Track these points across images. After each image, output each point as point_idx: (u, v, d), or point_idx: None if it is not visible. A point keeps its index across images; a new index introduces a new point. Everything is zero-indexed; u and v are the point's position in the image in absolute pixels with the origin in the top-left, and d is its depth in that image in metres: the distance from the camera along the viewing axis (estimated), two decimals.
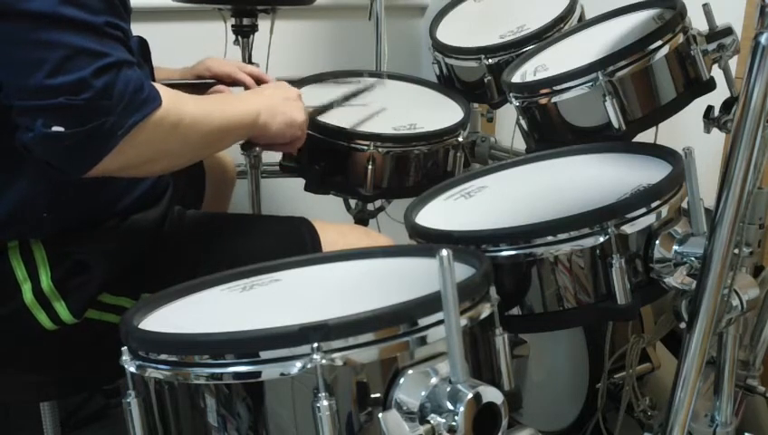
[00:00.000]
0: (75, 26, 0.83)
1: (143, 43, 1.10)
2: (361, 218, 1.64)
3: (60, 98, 0.82)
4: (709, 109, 1.21)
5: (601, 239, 0.89)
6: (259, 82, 1.40)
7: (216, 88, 1.37)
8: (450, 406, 0.64)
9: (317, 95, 1.46)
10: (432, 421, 0.65)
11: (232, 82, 1.38)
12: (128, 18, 0.94)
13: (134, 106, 0.87)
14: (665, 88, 1.18)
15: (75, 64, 0.83)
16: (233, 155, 1.61)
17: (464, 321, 0.71)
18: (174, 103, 0.93)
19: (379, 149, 1.38)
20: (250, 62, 1.73)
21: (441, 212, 1.09)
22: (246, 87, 1.39)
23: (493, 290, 0.78)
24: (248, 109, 1.09)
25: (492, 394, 0.65)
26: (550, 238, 0.90)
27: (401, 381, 0.67)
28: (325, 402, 0.64)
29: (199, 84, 1.37)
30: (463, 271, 0.80)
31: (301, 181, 1.46)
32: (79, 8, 0.83)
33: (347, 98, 1.41)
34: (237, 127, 1.08)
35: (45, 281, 0.97)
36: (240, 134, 1.11)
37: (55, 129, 0.83)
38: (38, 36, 0.82)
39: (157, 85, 0.92)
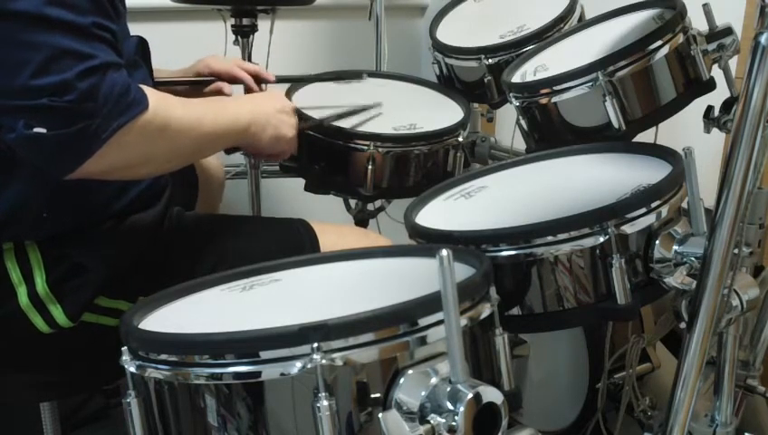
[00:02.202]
0: (61, 27, 0.83)
1: (143, 43, 1.10)
2: (361, 219, 1.64)
3: (43, 99, 0.82)
4: (709, 109, 1.21)
5: (601, 239, 0.89)
6: (258, 79, 1.40)
7: (216, 85, 1.37)
8: (450, 406, 0.64)
9: (316, 98, 1.46)
10: (432, 421, 0.65)
11: (231, 79, 1.37)
12: (118, 19, 0.92)
13: (119, 109, 0.86)
14: (665, 88, 1.18)
15: (60, 66, 0.82)
16: (230, 155, 1.61)
17: (464, 321, 0.71)
18: (161, 107, 0.93)
19: (379, 149, 1.38)
20: (250, 61, 1.73)
21: (441, 212, 1.09)
22: (246, 85, 1.39)
23: (493, 290, 0.78)
24: (239, 117, 1.08)
25: (492, 394, 0.65)
26: (550, 238, 0.90)
27: (401, 381, 0.67)
28: (325, 402, 0.64)
29: (198, 82, 1.37)
30: (463, 271, 0.80)
31: (301, 181, 1.46)
32: (65, 9, 0.83)
33: (341, 116, 1.41)
34: (226, 134, 1.07)
35: (41, 284, 0.97)
36: (228, 141, 1.11)
37: (37, 130, 0.83)
38: (23, 37, 0.82)
39: (145, 88, 0.92)
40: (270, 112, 1.13)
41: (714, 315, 0.82)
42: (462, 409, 0.63)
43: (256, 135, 1.11)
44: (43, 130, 0.83)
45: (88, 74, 0.83)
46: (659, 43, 1.15)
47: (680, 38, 1.17)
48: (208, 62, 1.38)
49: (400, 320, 0.68)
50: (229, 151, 1.26)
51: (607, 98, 1.15)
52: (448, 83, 1.68)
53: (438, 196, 1.15)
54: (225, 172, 1.67)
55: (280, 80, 1.47)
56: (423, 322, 0.68)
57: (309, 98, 1.47)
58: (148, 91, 0.92)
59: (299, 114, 1.27)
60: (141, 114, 0.89)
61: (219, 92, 1.37)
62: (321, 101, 1.45)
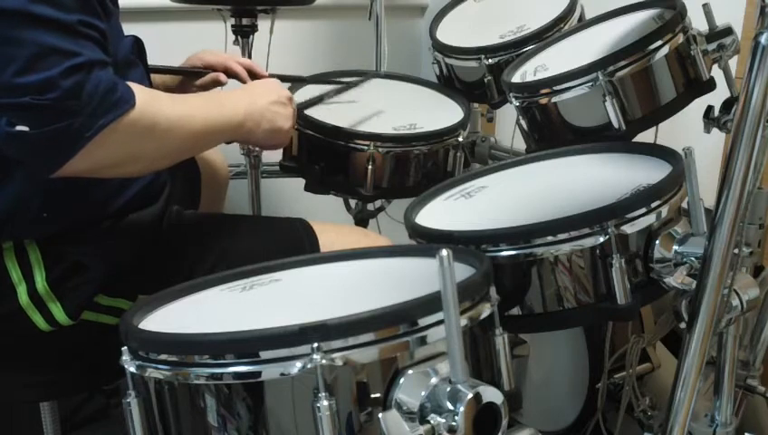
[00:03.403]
0: (46, 24, 0.82)
1: (138, 42, 1.10)
2: (361, 218, 1.64)
3: (26, 97, 0.81)
4: (709, 109, 1.21)
5: (601, 239, 0.89)
6: (252, 74, 1.40)
7: (212, 75, 1.36)
8: (450, 406, 0.64)
9: (313, 94, 1.46)
10: (432, 421, 0.65)
11: (225, 71, 1.37)
12: (107, 18, 0.92)
13: (104, 107, 0.86)
14: (665, 88, 1.18)
15: (44, 63, 0.82)
16: (231, 155, 1.61)
17: (464, 321, 0.71)
18: (149, 105, 0.92)
19: (379, 150, 1.38)
20: None
21: (441, 212, 1.09)
22: (240, 78, 1.39)
23: (493, 290, 0.78)
24: (233, 113, 1.07)
25: (492, 394, 0.65)
26: (550, 238, 0.90)
27: (401, 381, 0.67)
28: (325, 402, 0.64)
29: (193, 73, 1.37)
30: (463, 271, 0.80)
31: (301, 181, 1.46)
32: (51, 6, 0.82)
33: (338, 91, 1.41)
34: (219, 131, 1.06)
35: (40, 282, 0.97)
36: (222, 138, 1.10)
37: (19, 128, 0.82)
38: (8, 34, 0.81)
39: (134, 86, 0.91)
40: (264, 106, 1.12)
41: (714, 315, 0.82)
42: (462, 409, 0.63)
43: (251, 131, 1.10)
44: (26, 129, 0.82)
45: (72, 72, 0.83)
46: (659, 43, 1.15)
47: (680, 38, 1.17)
48: (202, 56, 1.37)
49: (400, 320, 0.67)
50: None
51: (607, 98, 1.15)
52: (448, 83, 1.68)
53: (438, 196, 1.15)
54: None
55: (272, 76, 1.47)
56: (423, 322, 0.68)
57: (308, 96, 1.48)
58: (137, 88, 0.91)
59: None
60: (127, 113, 0.88)
61: (216, 83, 1.37)
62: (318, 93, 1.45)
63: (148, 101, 0.92)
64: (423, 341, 0.68)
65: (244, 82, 1.39)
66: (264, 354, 0.66)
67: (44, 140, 0.84)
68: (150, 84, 1.12)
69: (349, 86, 1.47)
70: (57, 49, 0.83)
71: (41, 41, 0.82)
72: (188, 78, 1.36)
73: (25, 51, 0.81)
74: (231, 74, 1.37)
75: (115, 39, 0.95)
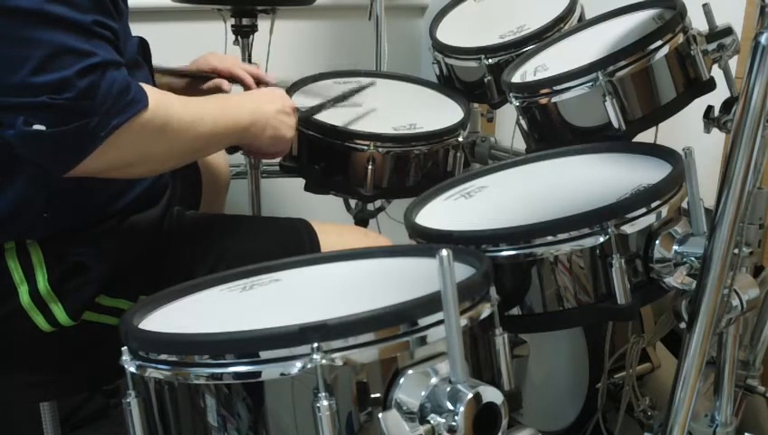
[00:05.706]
0: (62, 24, 0.83)
1: (143, 43, 1.10)
2: (361, 218, 1.64)
3: (42, 96, 0.82)
4: (709, 109, 1.21)
5: (601, 239, 0.89)
6: (257, 81, 1.40)
7: (216, 82, 1.37)
8: (450, 406, 0.64)
9: (316, 97, 1.46)
10: (432, 421, 0.65)
11: (230, 76, 1.38)
12: (119, 18, 0.92)
13: (118, 107, 0.86)
14: (665, 88, 1.18)
15: (60, 63, 0.82)
16: (230, 155, 1.61)
17: (464, 321, 0.71)
18: (162, 106, 0.92)
19: (379, 149, 1.38)
20: (249, 62, 1.73)
21: (441, 212, 1.09)
22: (245, 84, 1.39)
23: (493, 290, 0.78)
24: (239, 117, 1.08)
25: (492, 394, 0.65)
26: (550, 238, 0.90)
27: (401, 381, 0.68)
28: (325, 402, 0.64)
29: (198, 76, 1.37)
30: (463, 271, 0.80)
31: (301, 181, 1.46)
32: (66, 6, 0.83)
33: (339, 99, 1.41)
34: (226, 134, 1.07)
35: (42, 283, 0.97)
36: (228, 141, 1.11)
37: (36, 127, 0.83)
38: (24, 33, 0.82)
39: (146, 87, 0.91)
40: (270, 113, 1.13)
41: (714, 315, 0.82)
42: (462, 409, 0.63)
43: (256, 136, 1.11)
44: (42, 128, 0.83)
45: (87, 72, 0.83)
46: (659, 43, 1.15)
47: (680, 38, 1.17)
48: (209, 59, 1.38)
49: (400, 320, 0.68)
50: (230, 151, 1.27)
51: (607, 98, 1.15)
52: (448, 83, 1.68)
53: (438, 196, 1.15)
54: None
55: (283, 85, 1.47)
56: (423, 322, 0.68)
57: (309, 97, 1.48)
58: (149, 89, 0.92)
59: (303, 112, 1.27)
60: (141, 113, 0.89)
61: (218, 89, 1.37)
62: (322, 99, 1.45)
63: (161, 102, 0.93)
64: (423, 341, 0.68)
65: (249, 88, 1.39)
66: (264, 354, 0.66)
67: (60, 139, 0.84)
68: (154, 86, 1.12)
69: (352, 93, 1.47)
70: (72, 49, 0.83)
71: (56, 41, 0.82)
72: (194, 81, 1.37)
73: (41, 51, 0.82)
74: (236, 80, 1.38)
75: (124, 39, 0.96)
